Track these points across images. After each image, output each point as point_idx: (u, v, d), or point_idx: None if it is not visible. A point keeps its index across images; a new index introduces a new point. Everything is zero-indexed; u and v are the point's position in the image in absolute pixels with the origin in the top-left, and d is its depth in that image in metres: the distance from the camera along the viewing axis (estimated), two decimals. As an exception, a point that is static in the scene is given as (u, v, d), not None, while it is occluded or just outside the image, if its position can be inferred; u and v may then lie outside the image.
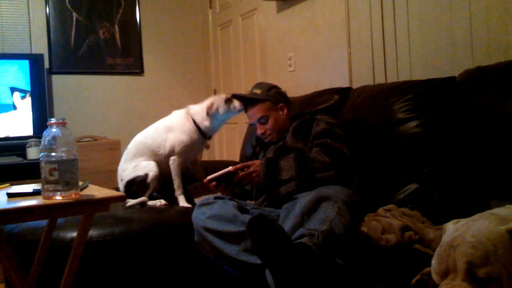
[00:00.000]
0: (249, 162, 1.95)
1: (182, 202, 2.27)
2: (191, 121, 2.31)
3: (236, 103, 2.23)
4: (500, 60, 1.75)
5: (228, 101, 2.26)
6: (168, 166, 2.31)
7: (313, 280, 1.32)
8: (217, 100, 2.28)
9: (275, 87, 2.22)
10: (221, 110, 2.27)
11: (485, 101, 1.66)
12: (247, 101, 2.18)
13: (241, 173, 1.90)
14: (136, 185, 2.26)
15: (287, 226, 1.51)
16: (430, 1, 2.25)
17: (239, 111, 2.25)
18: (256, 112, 2.13)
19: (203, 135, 2.33)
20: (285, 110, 2.18)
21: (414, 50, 2.35)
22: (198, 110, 2.31)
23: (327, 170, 1.82)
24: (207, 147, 2.53)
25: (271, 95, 2.16)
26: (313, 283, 1.32)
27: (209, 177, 1.94)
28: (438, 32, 2.21)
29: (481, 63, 1.85)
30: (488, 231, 0.98)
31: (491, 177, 1.55)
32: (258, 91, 2.17)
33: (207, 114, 2.27)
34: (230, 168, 1.90)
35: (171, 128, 2.34)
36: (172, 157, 2.30)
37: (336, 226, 1.46)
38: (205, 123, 2.29)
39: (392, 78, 2.47)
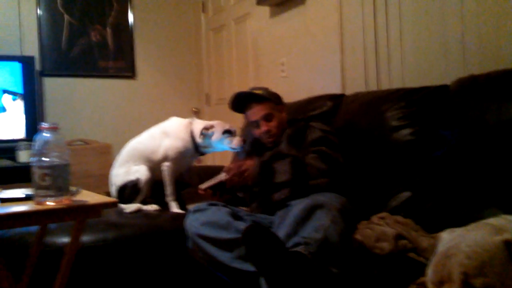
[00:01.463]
0: (242, 162, 1.94)
1: (175, 208, 2.26)
2: (189, 131, 2.31)
3: (236, 141, 2.24)
4: (492, 68, 1.76)
5: (226, 132, 2.26)
6: (161, 172, 2.30)
7: (308, 289, 1.32)
8: (218, 126, 2.28)
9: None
10: (214, 137, 2.27)
11: (478, 110, 1.67)
12: (252, 98, 2.15)
13: (232, 173, 1.89)
14: (128, 190, 2.24)
15: (281, 233, 1.51)
16: (422, 9, 2.27)
17: (233, 148, 2.27)
18: (262, 109, 2.10)
19: (196, 149, 2.33)
20: (284, 113, 2.18)
21: (407, 57, 2.37)
22: (199, 125, 2.32)
23: (322, 176, 1.82)
24: (198, 162, 2.54)
25: (273, 96, 2.17)
26: (308, 292, 1.32)
27: (203, 186, 1.94)
28: (430, 39, 2.23)
29: (473, 70, 1.87)
30: (483, 242, 0.99)
31: (485, 186, 1.56)
32: (260, 92, 2.16)
33: (201, 132, 2.27)
34: (223, 177, 1.90)
35: (167, 134, 2.33)
36: (166, 163, 2.30)
37: (330, 235, 1.46)
38: (197, 139, 2.30)
39: (384, 85, 2.48)
